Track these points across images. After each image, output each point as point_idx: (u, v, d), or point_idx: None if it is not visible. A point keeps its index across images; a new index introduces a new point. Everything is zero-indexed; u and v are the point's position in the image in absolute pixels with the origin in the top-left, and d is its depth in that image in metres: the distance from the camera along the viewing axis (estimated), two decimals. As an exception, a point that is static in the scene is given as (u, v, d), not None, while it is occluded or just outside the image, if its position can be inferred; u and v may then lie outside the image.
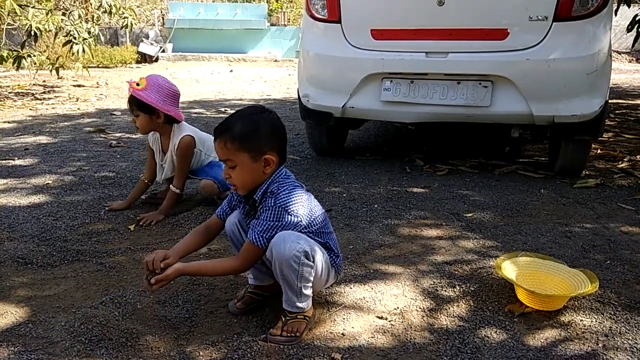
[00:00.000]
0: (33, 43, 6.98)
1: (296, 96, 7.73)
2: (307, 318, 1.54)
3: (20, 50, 6.51)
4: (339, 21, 3.09)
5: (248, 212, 1.60)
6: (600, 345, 1.51)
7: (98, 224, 2.40)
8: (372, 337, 1.53)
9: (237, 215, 1.64)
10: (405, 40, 2.96)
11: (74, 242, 2.18)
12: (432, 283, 1.86)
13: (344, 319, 1.62)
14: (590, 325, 1.60)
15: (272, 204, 1.46)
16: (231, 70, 10.67)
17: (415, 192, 2.92)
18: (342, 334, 1.55)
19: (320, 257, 1.50)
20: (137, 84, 2.39)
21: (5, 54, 6.67)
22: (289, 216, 1.46)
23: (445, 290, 1.81)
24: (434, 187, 3.00)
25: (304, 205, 1.50)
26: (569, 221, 2.49)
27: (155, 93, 2.41)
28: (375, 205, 2.69)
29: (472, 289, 1.82)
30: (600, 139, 3.95)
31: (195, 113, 5.74)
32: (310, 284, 1.50)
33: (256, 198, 1.51)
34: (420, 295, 1.77)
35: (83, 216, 2.48)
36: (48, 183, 3.00)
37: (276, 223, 1.45)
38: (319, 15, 3.18)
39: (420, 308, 1.69)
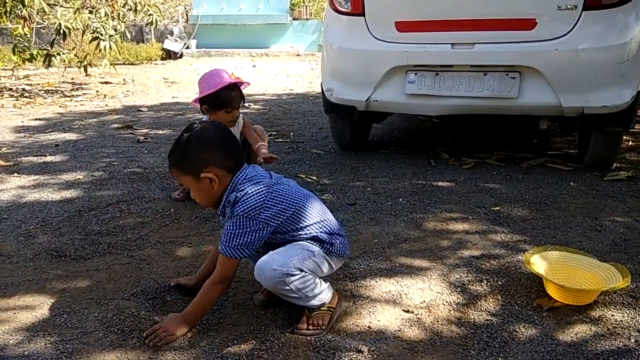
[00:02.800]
0: (62, 41, 7.14)
1: (319, 90, 7.72)
2: (332, 309, 1.55)
3: (49, 48, 6.67)
4: (363, 14, 3.07)
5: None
6: (632, 340, 1.48)
7: (128, 218, 2.45)
8: (399, 330, 1.53)
9: None
10: (430, 32, 2.93)
11: (106, 235, 2.24)
12: (459, 277, 1.85)
13: (370, 312, 1.63)
14: (622, 321, 1.57)
15: (230, 214, 1.47)
16: (254, 65, 10.72)
17: (441, 185, 2.89)
18: (369, 326, 1.55)
19: (307, 261, 1.48)
20: (237, 77, 2.49)
21: (35, 52, 6.85)
22: (251, 221, 1.44)
23: (473, 285, 1.79)
24: (460, 181, 2.97)
25: (268, 207, 1.46)
26: (599, 214, 2.43)
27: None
28: (400, 199, 2.67)
29: (500, 283, 1.80)
30: (631, 130, 3.84)
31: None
32: (311, 285, 1.48)
33: (219, 212, 1.53)
34: (447, 289, 1.76)
35: (114, 210, 2.53)
36: (79, 178, 3.08)
37: (238, 230, 1.44)
38: (342, 9, 3.17)
39: (447, 302, 1.68)
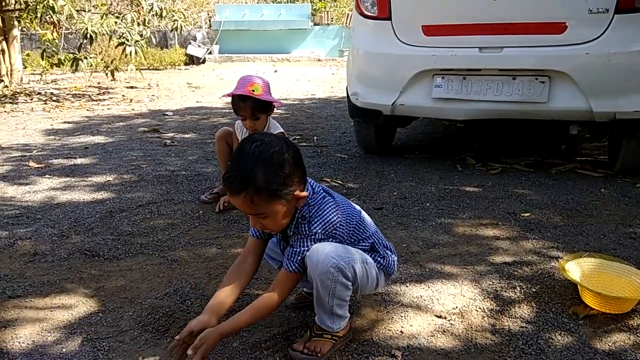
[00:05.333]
0: (88, 46, 7.29)
1: (341, 95, 7.75)
2: (336, 338, 1.45)
3: (77, 53, 6.81)
4: (389, 18, 3.08)
5: (280, 240, 1.52)
6: (674, 351, 1.44)
7: (158, 219, 2.48)
8: (432, 336, 1.52)
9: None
10: (457, 36, 2.91)
11: (137, 236, 2.27)
12: (492, 283, 1.83)
13: (401, 317, 1.62)
14: (662, 330, 1.53)
15: (307, 232, 1.36)
16: (275, 71, 10.79)
17: (468, 190, 2.87)
18: (401, 331, 1.54)
19: (360, 267, 1.39)
20: (253, 91, 2.48)
21: (62, 57, 7.01)
22: (328, 240, 1.38)
23: (506, 291, 1.77)
24: (488, 186, 2.94)
25: (342, 221, 1.40)
26: (633, 222, 2.38)
27: (268, 91, 2.56)
28: (427, 204, 2.66)
29: (534, 290, 1.78)
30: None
31: (243, 112, 5.84)
32: (345, 303, 1.40)
33: (289, 233, 1.42)
34: (480, 296, 1.74)
35: (144, 212, 2.57)
36: (109, 180, 3.13)
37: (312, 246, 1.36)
38: (368, 13, 3.18)
39: (480, 308, 1.66)
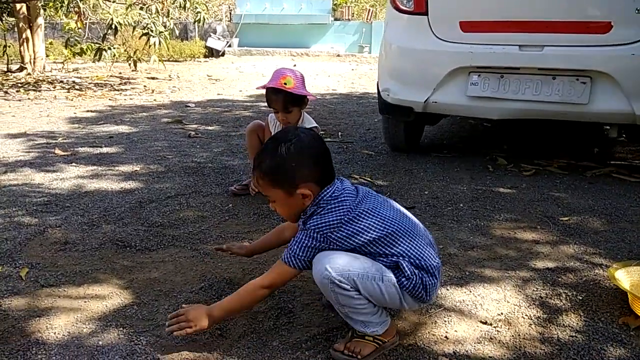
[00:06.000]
0: (112, 36, 7.30)
1: (362, 91, 7.68)
2: (379, 342, 1.39)
3: (100, 42, 6.83)
4: (426, 13, 3.00)
5: None
6: None
7: (188, 211, 2.45)
8: (479, 343, 1.46)
9: None
10: (497, 33, 2.83)
11: (168, 228, 2.24)
12: (535, 289, 1.76)
13: (445, 321, 1.56)
14: None
15: (302, 226, 1.38)
16: (295, 65, 10.72)
17: (502, 192, 2.79)
18: (446, 337, 1.49)
19: (368, 282, 1.32)
20: (285, 84, 2.44)
21: (85, 47, 7.03)
22: (321, 237, 1.34)
23: (551, 298, 1.70)
24: (522, 188, 2.86)
25: (344, 227, 1.34)
26: (678, 230, 2.29)
27: (302, 84, 2.53)
28: (461, 205, 2.59)
29: (580, 298, 1.71)
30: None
31: (264, 106, 5.76)
32: (359, 310, 1.34)
33: (299, 225, 1.43)
34: (525, 302, 1.68)
35: (173, 203, 2.54)
36: (136, 170, 3.11)
37: (305, 242, 1.35)
38: (404, 7, 3.11)
39: (526, 315, 1.60)
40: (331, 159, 1.46)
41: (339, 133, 4.34)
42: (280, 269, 1.39)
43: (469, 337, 1.49)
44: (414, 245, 1.38)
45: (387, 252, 1.36)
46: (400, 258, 1.36)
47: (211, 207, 2.51)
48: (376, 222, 1.37)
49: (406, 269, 1.34)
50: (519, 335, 1.50)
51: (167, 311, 1.59)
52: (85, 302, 1.65)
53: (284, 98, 2.49)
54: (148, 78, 8.09)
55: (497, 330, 1.52)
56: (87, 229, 2.22)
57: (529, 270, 1.91)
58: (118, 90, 6.79)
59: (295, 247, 1.37)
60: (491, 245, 2.12)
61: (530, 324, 1.56)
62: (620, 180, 3.01)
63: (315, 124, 2.68)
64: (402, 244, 1.37)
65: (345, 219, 1.35)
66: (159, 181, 2.91)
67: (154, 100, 6.12)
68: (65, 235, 2.15)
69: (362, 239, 1.35)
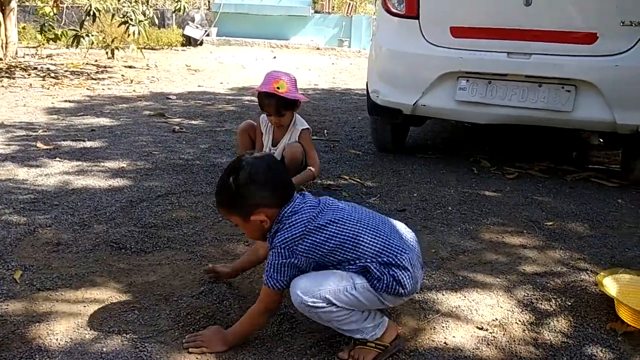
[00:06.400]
0: (90, 23, 7.11)
1: (343, 87, 7.68)
2: (381, 347, 1.43)
3: (77, 29, 6.65)
4: (417, 17, 3.04)
5: None
6: None
7: (180, 211, 2.43)
8: (477, 349, 1.52)
9: None
10: (486, 39, 2.89)
11: (162, 229, 2.22)
12: (526, 294, 1.83)
13: (443, 327, 1.61)
14: (701, 351, 1.55)
15: (271, 246, 1.42)
16: (274, 57, 10.67)
17: (488, 195, 2.87)
18: (445, 343, 1.54)
19: (341, 294, 1.36)
20: (278, 88, 2.44)
21: (60, 33, 6.84)
22: (289, 252, 1.38)
23: (541, 304, 1.77)
24: (506, 191, 2.94)
25: (307, 237, 1.38)
26: (654, 236, 2.40)
27: (294, 87, 2.54)
28: (450, 208, 2.65)
29: (569, 303, 1.78)
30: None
31: (248, 100, 5.77)
32: (346, 321, 1.38)
33: (268, 244, 1.48)
34: (517, 307, 1.74)
35: (164, 203, 2.52)
36: (122, 167, 3.06)
37: (277, 261, 1.38)
38: (395, 10, 3.13)
39: (519, 321, 1.66)
40: (286, 178, 1.49)
41: (325, 131, 4.36)
42: (266, 292, 1.44)
43: (467, 342, 1.54)
44: (378, 240, 1.41)
45: (352, 256, 1.40)
46: (367, 261, 1.39)
47: (203, 207, 2.50)
48: (337, 227, 1.40)
49: (374, 270, 1.38)
50: (514, 340, 1.56)
51: (168, 316, 1.59)
52: (84, 306, 1.64)
53: (276, 102, 2.50)
54: (125, 67, 7.91)
55: (493, 336, 1.58)
56: (78, 229, 2.19)
57: (519, 275, 1.98)
58: (95, 79, 6.63)
59: (270, 269, 1.40)
60: (481, 250, 2.18)
61: (524, 329, 1.62)
62: (599, 185, 3.13)
63: (307, 126, 2.69)
64: (365, 243, 1.40)
65: (307, 229, 1.39)
66: (148, 179, 2.88)
67: (134, 91, 6.01)
68: (57, 235, 2.12)
69: (327, 247, 1.39)
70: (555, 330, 1.63)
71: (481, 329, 1.61)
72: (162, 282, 1.80)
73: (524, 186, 3.05)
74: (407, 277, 1.40)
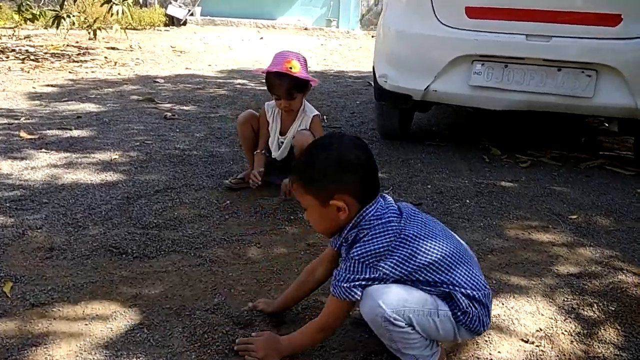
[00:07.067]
0: (72, 2, 6.75)
1: (336, 69, 7.45)
2: None
3: (59, 9, 6.29)
4: (430, -4, 2.85)
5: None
6: None
7: (182, 208, 2.25)
8: (526, 365, 1.38)
9: None
10: (503, 21, 2.72)
11: (164, 229, 2.04)
12: (566, 299, 1.70)
13: (486, 341, 1.47)
14: None
15: (345, 255, 1.27)
16: (261, 38, 10.37)
17: (504, 186, 2.73)
18: (491, 359, 1.40)
19: (424, 318, 1.21)
20: (290, 68, 2.25)
21: (37, 13, 6.47)
22: (367, 269, 1.21)
23: (584, 310, 1.65)
24: (522, 181, 2.81)
25: (392, 254, 1.21)
26: (682, 229, 2.30)
27: (305, 69, 2.36)
28: (467, 201, 2.51)
29: (612, 308, 1.66)
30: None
31: (239, 84, 5.54)
32: (411, 343, 1.22)
33: (334, 247, 1.34)
34: (560, 315, 1.61)
35: (164, 199, 2.33)
36: (115, 158, 2.85)
37: (355, 275, 1.22)
38: (405, -11, 2.94)
39: (566, 331, 1.53)
40: (377, 173, 1.32)
41: (324, 117, 4.16)
42: (334, 304, 1.26)
43: (514, 358, 1.41)
44: (469, 272, 1.27)
45: (438, 279, 1.24)
46: (453, 288, 1.24)
47: (207, 203, 2.32)
48: (426, 244, 1.24)
49: (461, 301, 1.23)
50: (564, 354, 1.43)
51: (182, 335, 1.43)
52: (86, 325, 1.46)
53: (288, 84, 2.31)
54: (108, 48, 7.56)
55: (542, 350, 1.44)
56: (72, 231, 1.99)
57: (554, 276, 1.85)
58: (77, 61, 6.30)
59: (342, 278, 1.24)
60: (509, 248, 2.05)
61: (572, 341, 1.49)
62: (614, 173, 3.02)
63: (316, 112, 2.51)
64: (457, 271, 1.25)
65: (393, 245, 1.22)
66: (143, 172, 2.67)
67: (118, 74, 5.72)
68: (49, 239, 1.92)
69: (412, 265, 1.22)
70: (604, 341, 1.50)
71: (527, 341, 1.48)
72: (170, 292, 1.63)
73: (539, 175, 2.92)
74: (487, 315, 1.28)
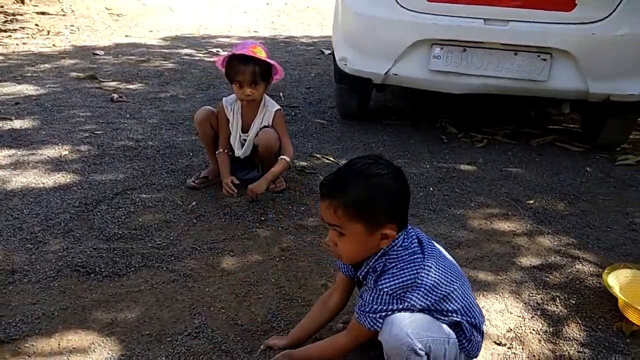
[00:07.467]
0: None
1: (286, 34, 7.23)
2: None
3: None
4: (389, -23, 2.79)
5: (357, 280, 1.39)
6: None
7: (145, 214, 2.17)
8: (501, 369, 1.47)
9: None
10: (462, 5, 2.71)
11: (131, 241, 1.97)
12: (531, 294, 1.80)
13: (462, 345, 1.55)
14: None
15: (373, 285, 1.25)
16: (205, -5, 9.86)
17: (464, 170, 2.81)
18: (469, 365, 1.48)
19: (439, 346, 1.24)
20: (256, 53, 2.20)
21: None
22: (395, 300, 1.23)
23: (548, 304, 1.76)
24: (480, 163, 2.90)
25: (418, 286, 1.23)
26: (627, 209, 2.46)
27: (269, 58, 2.26)
28: (431, 189, 2.57)
29: (573, 302, 1.78)
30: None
31: (186, 55, 5.29)
32: None
33: (359, 276, 1.32)
34: (526, 312, 1.71)
35: (125, 203, 2.24)
36: (64, 155, 2.69)
37: (381, 307, 1.23)
38: (364, -32, 2.85)
39: (533, 330, 1.63)
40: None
41: (280, 93, 4.07)
42: (361, 330, 1.28)
43: (489, 363, 1.49)
44: (471, 302, 1.33)
45: (452, 309, 1.28)
46: (462, 317, 1.29)
47: (172, 206, 2.25)
48: (442, 279, 1.27)
49: (466, 329, 1.29)
50: (534, 355, 1.53)
51: (167, 364, 1.41)
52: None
53: (253, 68, 2.23)
54: (38, 13, 6.97)
55: (514, 353, 1.54)
56: (32, 248, 1.89)
57: (518, 270, 1.95)
58: (5, 31, 5.78)
59: (368, 308, 1.25)
60: (475, 241, 2.13)
61: (540, 340, 1.59)
62: (564, 150, 3.16)
63: (278, 106, 2.44)
64: (460, 300, 1.30)
65: (420, 276, 1.23)
66: (97, 170, 2.54)
67: (54, 45, 5.31)
68: (8, 259, 1.81)
69: (438, 295, 1.25)
70: (568, 337, 1.61)
71: (499, 344, 1.57)
72: (148, 315, 1.59)
73: (495, 156, 3.02)
74: (480, 343, 1.34)
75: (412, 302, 1.23)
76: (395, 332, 1.20)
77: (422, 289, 1.23)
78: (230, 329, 1.55)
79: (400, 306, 1.23)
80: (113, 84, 4.09)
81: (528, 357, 1.52)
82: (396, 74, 2.92)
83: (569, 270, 1.95)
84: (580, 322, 1.68)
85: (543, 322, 1.67)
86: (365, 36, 2.95)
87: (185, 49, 5.58)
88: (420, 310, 1.24)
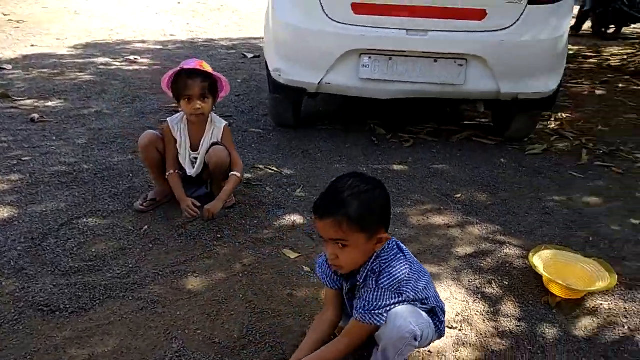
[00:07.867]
0: None
1: (204, 37, 7.14)
2: None
3: None
4: (316, -9, 2.92)
5: (347, 290, 1.55)
6: (626, 327, 1.82)
7: (97, 243, 2.15)
8: (457, 351, 1.67)
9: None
10: (386, 17, 2.91)
11: (89, 273, 1.95)
12: (470, 280, 2.04)
13: (421, 334, 1.73)
14: (611, 308, 1.91)
15: (375, 285, 1.42)
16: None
17: (397, 170, 3.03)
18: (429, 351, 1.66)
19: (427, 332, 1.47)
20: (203, 67, 2.24)
21: None
22: (394, 294, 1.42)
23: (486, 287, 2.00)
24: (410, 163, 3.14)
25: (410, 279, 1.44)
26: (540, 195, 2.80)
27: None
28: (370, 190, 2.75)
29: (506, 283, 2.03)
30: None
31: (102, 64, 5.11)
32: (406, 356, 1.46)
33: (359, 280, 1.47)
34: (469, 297, 1.94)
35: (74, 233, 2.19)
36: (-5, 186, 2.56)
37: (385, 302, 1.41)
38: (292, -18, 2.96)
39: (478, 312, 1.86)
40: None
41: (210, 103, 4.07)
42: (359, 327, 1.43)
43: (446, 346, 1.69)
44: (434, 289, 1.58)
45: (427, 297, 1.51)
46: (434, 302, 1.53)
47: (123, 232, 2.24)
48: (420, 271, 1.51)
49: (439, 314, 1.53)
50: (481, 334, 1.75)
51: (155, 392, 1.46)
52: (47, 403, 1.41)
53: (202, 81, 2.26)
54: None
55: (465, 334, 1.75)
56: (-16, 291, 1.82)
57: (456, 259, 2.18)
58: None
59: (374, 305, 1.41)
60: (416, 236, 2.34)
61: (484, 320, 1.82)
62: (481, 144, 3.49)
63: (225, 122, 2.50)
64: (431, 288, 1.54)
65: (409, 271, 1.45)
66: (35, 201, 2.45)
67: (-50, 60, 4.90)
68: (-41, 306, 1.74)
69: (421, 286, 1.48)
70: (506, 314, 1.86)
71: (451, 327, 1.77)
72: (124, 347, 1.62)
73: (422, 154, 3.27)
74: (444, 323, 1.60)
75: (406, 294, 1.43)
76: (399, 323, 1.38)
77: (412, 283, 1.45)
78: (210, 348, 1.62)
79: (399, 299, 1.42)
80: (29, 102, 3.89)
81: (476, 336, 1.74)
82: (329, 83, 3.07)
83: (499, 255, 2.22)
84: (514, 300, 1.94)
85: (484, 304, 1.91)
86: (298, 48, 3.06)
87: (100, 57, 5.38)
88: (409, 302, 1.44)
